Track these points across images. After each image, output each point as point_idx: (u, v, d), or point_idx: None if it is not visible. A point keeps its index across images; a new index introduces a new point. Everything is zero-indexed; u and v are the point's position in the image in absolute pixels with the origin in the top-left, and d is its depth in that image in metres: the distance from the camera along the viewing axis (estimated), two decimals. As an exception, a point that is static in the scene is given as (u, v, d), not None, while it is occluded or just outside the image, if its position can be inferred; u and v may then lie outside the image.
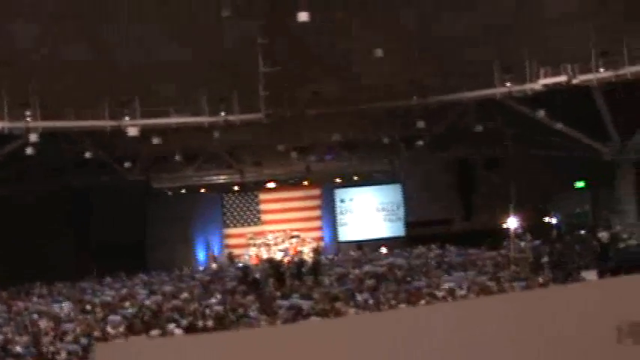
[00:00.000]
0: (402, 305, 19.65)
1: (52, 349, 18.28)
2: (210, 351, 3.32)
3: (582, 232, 34.79)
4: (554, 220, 40.42)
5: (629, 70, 31.88)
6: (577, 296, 3.30)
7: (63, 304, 26.02)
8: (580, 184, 41.88)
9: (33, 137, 32.25)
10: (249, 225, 42.90)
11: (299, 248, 39.87)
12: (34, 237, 36.54)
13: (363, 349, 3.22)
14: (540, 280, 23.35)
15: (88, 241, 41.22)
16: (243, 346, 3.36)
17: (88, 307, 25.10)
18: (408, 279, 27.46)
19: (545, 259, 28.96)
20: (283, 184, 42.03)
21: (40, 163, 34.86)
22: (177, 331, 18.39)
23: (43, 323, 21.90)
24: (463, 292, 21.64)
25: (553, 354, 3.14)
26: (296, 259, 36.50)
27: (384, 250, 37.44)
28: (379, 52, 33.50)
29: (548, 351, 3.14)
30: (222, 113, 35.31)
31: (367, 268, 31.53)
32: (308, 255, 37.74)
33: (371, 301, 21.85)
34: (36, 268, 33.36)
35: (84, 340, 18.87)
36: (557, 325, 3.15)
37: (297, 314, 20.39)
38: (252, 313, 21.48)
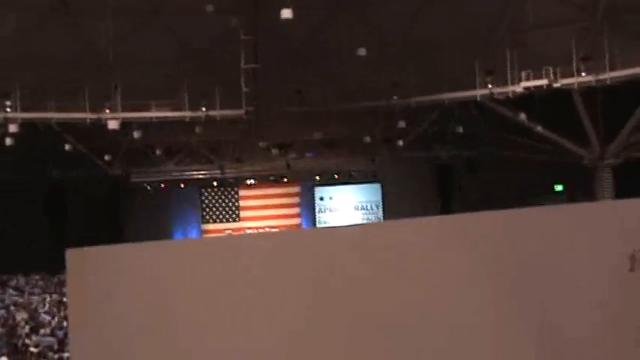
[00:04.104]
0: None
1: (27, 341, 18.16)
2: (187, 256, 3.29)
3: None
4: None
5: (609, 75, 32.11)
6: (591, 217, 3.22)
7: (39, 296, 25.86)
8: (559, 188, 42.09)
9: (12, 128, 32.05)
10: (227, 221, 42.69)
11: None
12: (9, 228, 36.20)
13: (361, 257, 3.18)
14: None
15: (64, 234, 40.89)
16: (216, 250, 3.33)
17: (65, 299, 24.92)
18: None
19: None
20: (263, 181, 41.93)
21: (18, 153, 34.56)
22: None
23: (19, 315, 21.74)
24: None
25: (557, 274, 3.09)
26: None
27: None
28: (362, 51, 33.54)
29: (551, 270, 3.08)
30: (203, 108, 35.27)
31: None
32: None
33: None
34: (10, 259, 33.02)
35: (60, 333, 18.75)
36: (564, 245, 3.09)
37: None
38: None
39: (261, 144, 38.01)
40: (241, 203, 42.94)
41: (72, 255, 3.36)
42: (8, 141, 32.59)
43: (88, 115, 33.91)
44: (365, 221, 43.11)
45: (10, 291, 28.51)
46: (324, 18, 35.95)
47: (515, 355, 3.12)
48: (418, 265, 3.17)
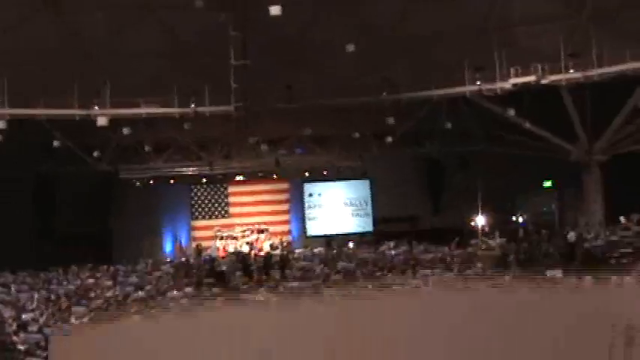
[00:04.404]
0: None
1: (15, 338, 18.12)
2: (162, 336, 3.28)
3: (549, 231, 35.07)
4: (520, 219, 40.72)
5: (596, 72, 32.23)
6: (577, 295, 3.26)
7: (26, 294, 25.75)
8: (547, 184, 42.24)
9: (0, 124, 31.95)
10: (217, 217, 42.69)
11: (267, 242, 39.75)
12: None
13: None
14: (506, 278, 23.43)
15: (52, 230, 40.77)
16: (206, 325, 3.33)
17: (53, 296, 24.89)
18: (378, 274, 27.53)
19: (511, 258, 29.14)
20: (252, 177, 41.91)
21: (6, 149, 34.42)
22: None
23: (6, 312, 21.68)
24: (429, 289, 21.69)
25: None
26: (262, 252, 36.41)
27: (351, 244, 37.46)
28: (351, 47, 33.51)
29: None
30: (192, 105, 35.16)
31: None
32: (275, 248, 37.64)
33: (337, 298, 21.79)
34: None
35: (47, 330, 18.71)
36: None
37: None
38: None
39: (250, 140, 37.94)
40: (230, 199, 42.93)
41: (55, 341, 3.35)
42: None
43: (77, 112, 33.79)
44: (354, 217, 43.19)
45: (-1, 288, 28.38)
46: (314, 14, 35.87)
47: None
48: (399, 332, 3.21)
